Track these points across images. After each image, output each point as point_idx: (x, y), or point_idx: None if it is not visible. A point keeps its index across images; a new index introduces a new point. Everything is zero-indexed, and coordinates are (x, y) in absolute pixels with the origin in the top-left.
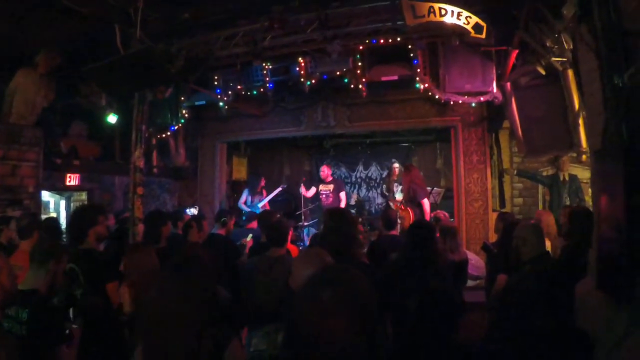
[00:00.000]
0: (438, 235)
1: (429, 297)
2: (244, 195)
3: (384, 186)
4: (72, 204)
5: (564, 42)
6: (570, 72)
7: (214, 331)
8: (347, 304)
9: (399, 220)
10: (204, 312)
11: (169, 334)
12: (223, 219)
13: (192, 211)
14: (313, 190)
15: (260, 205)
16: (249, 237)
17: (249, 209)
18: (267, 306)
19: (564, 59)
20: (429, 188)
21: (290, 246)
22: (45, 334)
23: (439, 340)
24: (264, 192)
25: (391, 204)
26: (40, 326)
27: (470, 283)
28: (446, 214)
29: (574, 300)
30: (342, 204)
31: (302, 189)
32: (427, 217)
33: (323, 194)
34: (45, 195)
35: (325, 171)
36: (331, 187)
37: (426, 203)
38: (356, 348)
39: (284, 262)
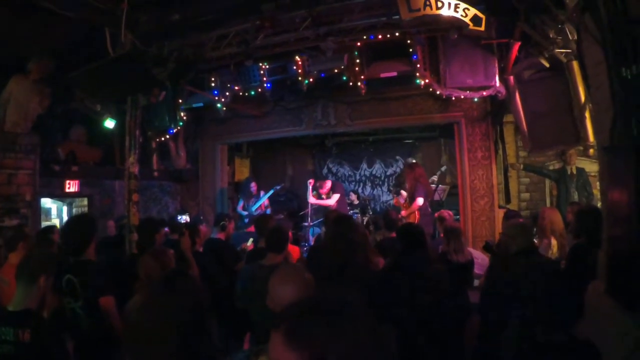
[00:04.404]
0: (442, 236)
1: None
2: (241, 202)
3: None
4: (74, 210)
5: (568, 33)
6: (575, 64)
7: (198, 350)
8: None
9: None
10: (187, 329)
11: (151, 350)
12: (222, 223)
13: (184, 218)
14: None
15: (254, 208)
16: (250, 242)
17: (246, 213)
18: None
19: (568, 51)
20: (433, 185)
21: (291, 247)
22: (48, 355)
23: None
24: (262, 193)
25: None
26: (42, 348)
27: (476, 282)
28: (451, 213)
29: (581, 306)
30: (332, 201)
31: (310, 195)
32: (417, 214)
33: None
34: (47, 202)
35: (326, 187)
36: (330, 201)
37: (420, 201)
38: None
39: None
